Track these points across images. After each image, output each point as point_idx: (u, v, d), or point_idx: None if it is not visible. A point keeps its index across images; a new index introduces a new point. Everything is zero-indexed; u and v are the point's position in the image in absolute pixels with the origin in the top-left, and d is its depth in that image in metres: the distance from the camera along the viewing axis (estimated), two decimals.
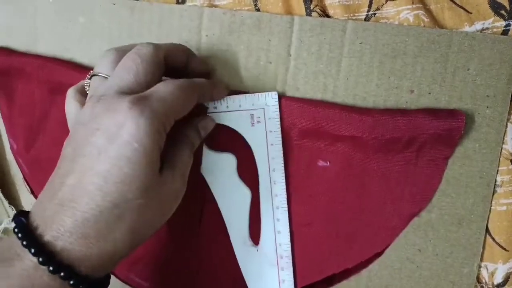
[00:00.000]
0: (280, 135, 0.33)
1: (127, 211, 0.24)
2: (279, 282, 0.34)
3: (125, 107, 0.24)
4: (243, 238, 0.34)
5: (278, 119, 0.33)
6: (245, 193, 0.34)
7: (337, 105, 0.33)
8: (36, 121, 0.36)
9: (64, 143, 0.26)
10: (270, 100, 0.33)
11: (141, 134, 0.24)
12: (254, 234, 0.34)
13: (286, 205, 0.34)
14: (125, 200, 0.24)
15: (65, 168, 0.25)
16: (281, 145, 0.33)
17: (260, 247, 0.34)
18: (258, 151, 0.33)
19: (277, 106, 0.33)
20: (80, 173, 0.24)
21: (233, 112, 0.33)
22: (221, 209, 0.34)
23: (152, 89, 0.27)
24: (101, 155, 0.24)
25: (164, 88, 0.27)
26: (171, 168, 0.27)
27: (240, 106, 0.33)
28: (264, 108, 0.33)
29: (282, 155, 0.33)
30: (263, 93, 0.33)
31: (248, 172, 0.34)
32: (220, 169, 0.34)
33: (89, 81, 0.29)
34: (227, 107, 0.33)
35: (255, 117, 0.33)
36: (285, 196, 0.33)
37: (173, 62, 0.30)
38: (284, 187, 0.33)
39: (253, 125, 0.33)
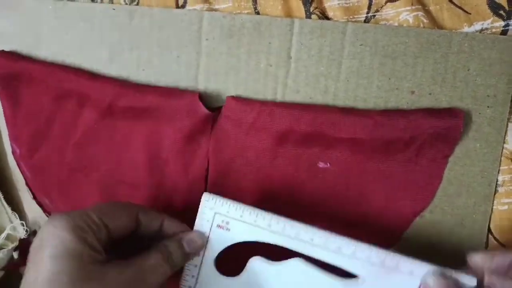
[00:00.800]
0: None
1: None
2: None
3: (48, 219, 0.27)
4: None
5: None
6: None
7: (336, 108, 0.33)
8: (42, 126, 0.36)
9: None
10: None
11: (57, 231, 0.25)
12: None
13: None
14: None
15: None
16: None
17: None
18: None
19: None
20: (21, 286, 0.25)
21: None
22: None
23: None
24: (31, 264, 0.25)
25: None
26: (122, 262, 0.27)
27: None
28: None
29: None
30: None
31: None
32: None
33: None
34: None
35: None
36: None
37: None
38: None
39: None
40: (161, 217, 0.31)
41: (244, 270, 0.32)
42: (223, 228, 0.31)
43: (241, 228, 0.31)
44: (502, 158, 0.34)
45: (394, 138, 0.32)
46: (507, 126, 0.33)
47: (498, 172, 0.34)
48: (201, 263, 0.32)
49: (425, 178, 0.33)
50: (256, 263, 0.32)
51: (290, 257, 0.31)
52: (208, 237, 0.31)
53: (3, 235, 0.38)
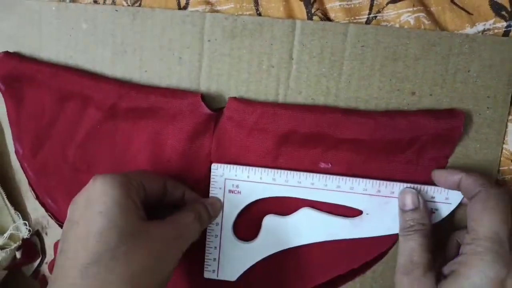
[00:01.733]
0: None
1: (114, 260, 0.25)
2: None
3: (93, 179, 0.28)
4: None
5: None
6: None
7: (337, 109, 0.33)
8: (45, 127, 0.36)
9: None
10: None
11: (106, 188, 0.27)
12: None
13: None
14: (108, 249, 0.25)
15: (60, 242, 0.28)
16: None
17: None
18: None
19: None
20: (67, 243, 0.27)
21: None
22: None
23: None
24: (80, 220, 0.27)
25: None
26: (161, 220, 0.29)
27: None
28: None
29: None
30: None
31: None
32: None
33: None
34: None
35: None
36: None
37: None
38: None
39: None
40: (183, 187, 0.34)
41: (261, 230, 0.35)
42: (234, 192, 0.34)
43: (250, 188, 0.34)
44: (502, 159, 0.34)
45: (395, 138, 0.33)
46: (506, 127, 0.33)
47: (498, 173, 0.34)
48: (220, 232, 0.35)
49: (426, 178, 0.34)
50: (270, 220, 0.35)
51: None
52: (223, 203, 0.34)
53: (6, 234, 0.38)
